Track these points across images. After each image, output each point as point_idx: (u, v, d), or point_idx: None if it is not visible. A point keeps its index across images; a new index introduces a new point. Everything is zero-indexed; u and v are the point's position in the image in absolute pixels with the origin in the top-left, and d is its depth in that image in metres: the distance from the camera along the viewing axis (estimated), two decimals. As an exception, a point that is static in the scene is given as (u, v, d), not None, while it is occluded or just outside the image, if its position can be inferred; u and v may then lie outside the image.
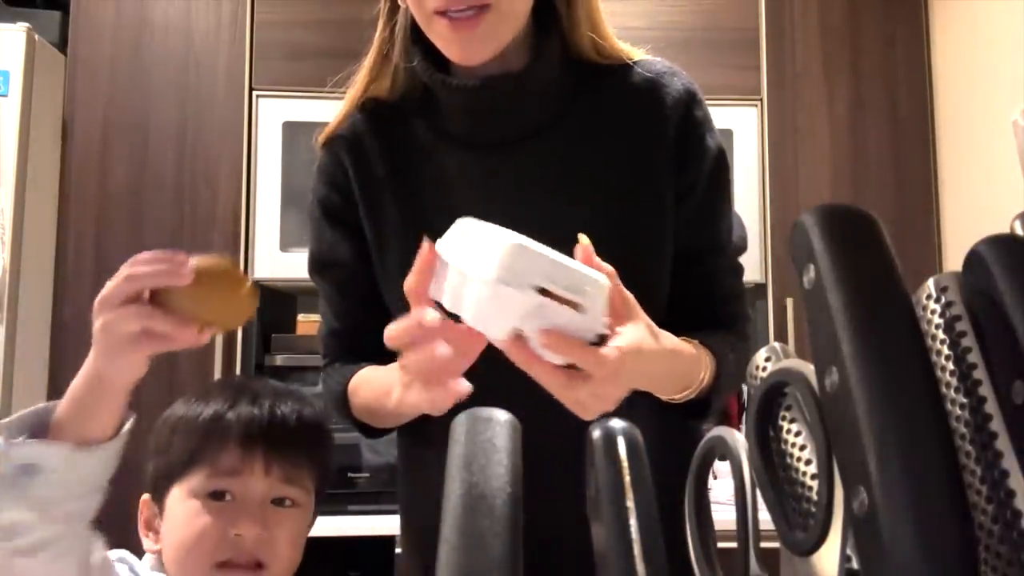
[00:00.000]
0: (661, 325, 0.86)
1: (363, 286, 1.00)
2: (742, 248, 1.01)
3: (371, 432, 1.02)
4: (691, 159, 0.96)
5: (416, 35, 0.94)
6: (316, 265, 1.04)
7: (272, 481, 0.93)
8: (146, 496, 0.97)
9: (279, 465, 0.94)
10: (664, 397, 0.87)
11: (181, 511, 0.92)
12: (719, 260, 1.00)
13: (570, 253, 0.71)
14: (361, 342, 1.00)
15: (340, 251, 1.02)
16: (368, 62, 0.99)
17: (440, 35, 0.88)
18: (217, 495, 0.91)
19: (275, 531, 0.91)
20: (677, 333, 0.90)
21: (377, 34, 0.98)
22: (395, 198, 0.98)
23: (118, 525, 0.86)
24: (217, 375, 2.32)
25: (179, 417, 0.96)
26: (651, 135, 0.96)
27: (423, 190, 0.97)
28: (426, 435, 0.99)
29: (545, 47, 0.94)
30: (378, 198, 0.99)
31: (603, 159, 0.96)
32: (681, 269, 0.98)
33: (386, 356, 0.93)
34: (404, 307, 0.71)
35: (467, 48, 0.87)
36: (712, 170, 0.98)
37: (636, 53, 0.99)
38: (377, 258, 0.99)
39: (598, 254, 0.89)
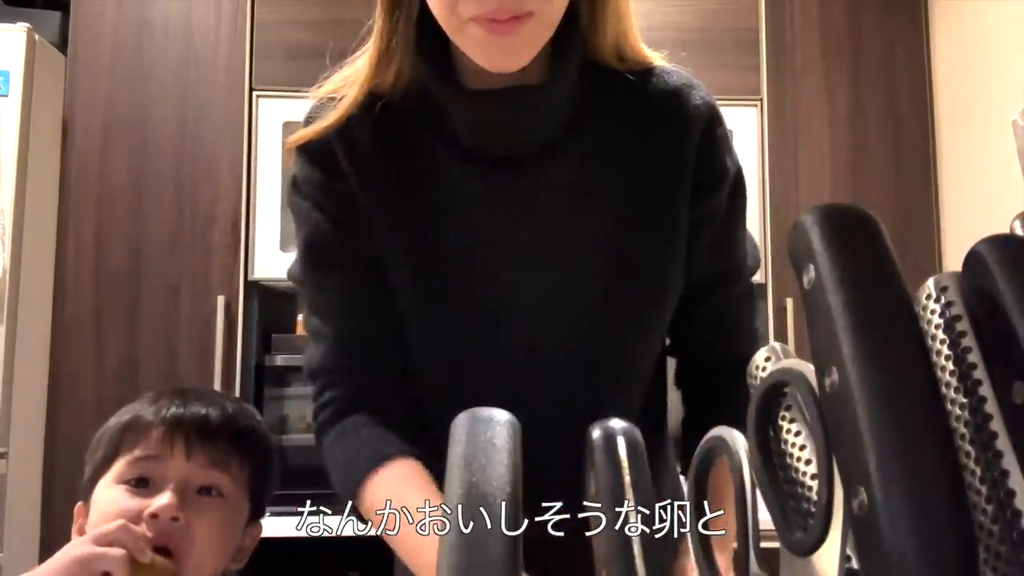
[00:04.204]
0: (659, 357, 0.88)
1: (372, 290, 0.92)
2: (755, 268, 1.01)
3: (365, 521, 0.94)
4: (711, 183, 0.92)
5: (419, 34, 0.85)
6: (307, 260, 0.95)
7: (194, 467, 0.90)
8: (79, 504, 0.95)
9: (203, 449, 0.91)
10: None
11: (104, 498, 0.90)
12: (734, 288, 0.97)
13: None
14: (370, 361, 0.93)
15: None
16: (371, 58, 0.88)
17: (474, 40, 0.79)
18: (141, 482, 0.90)
19: (194, 518, 0.88)
20: (687, 367, 0.98)
21: (376, 29, 0.87)
22: (391, 204, 0.90)
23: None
24: (217, 376, 2.32)
25: (108, 425, 0.96)
26: (670, 155, 0.91)
27: (423, 198, 0.90)
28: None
29: (566, 57, 0.86)
30: (375, 196, 0.91)
31: (617, 180, 0.90)
32: (697, 297, 0.95)
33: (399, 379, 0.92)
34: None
35: (505, 56, 0.80)
36: (731, 194, 0.94)
37: (656, 58, 0.94)
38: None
39: (605, 281, 0.88)
